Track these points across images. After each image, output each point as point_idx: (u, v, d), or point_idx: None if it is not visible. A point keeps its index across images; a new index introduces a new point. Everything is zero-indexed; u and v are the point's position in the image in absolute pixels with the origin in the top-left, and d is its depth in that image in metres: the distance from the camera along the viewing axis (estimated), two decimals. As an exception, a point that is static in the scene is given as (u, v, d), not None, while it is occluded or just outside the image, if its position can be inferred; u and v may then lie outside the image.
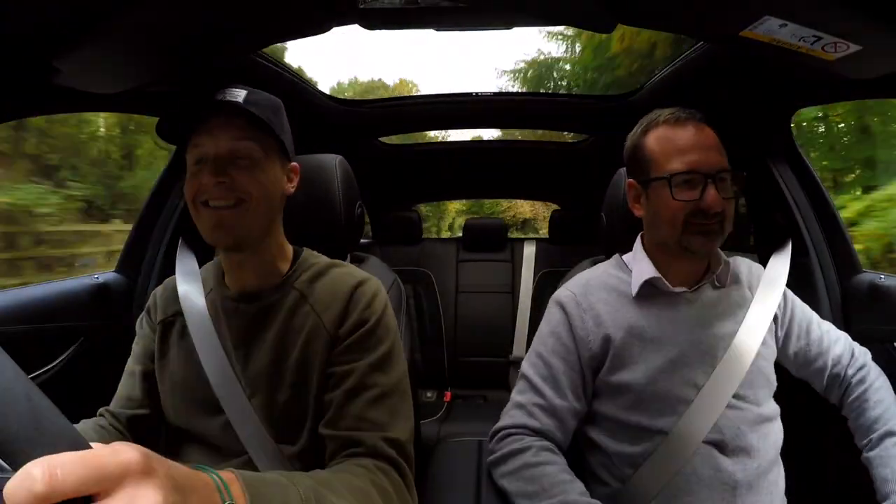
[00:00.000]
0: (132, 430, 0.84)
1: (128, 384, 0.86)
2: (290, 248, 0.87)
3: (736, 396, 0.83)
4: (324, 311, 0.78)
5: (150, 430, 0.86)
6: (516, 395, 0.92)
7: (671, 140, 0.86)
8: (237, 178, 0.72)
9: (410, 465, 0.73)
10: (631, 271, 0.93)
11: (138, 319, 0.90)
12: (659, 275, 0.88)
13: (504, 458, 0.85)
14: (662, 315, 0.88)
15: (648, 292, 0.90)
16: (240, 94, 0.74)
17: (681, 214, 0.83)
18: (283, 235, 0.86)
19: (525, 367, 0.93)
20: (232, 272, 0.83)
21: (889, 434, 0.84)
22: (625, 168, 0.97)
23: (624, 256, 0.99)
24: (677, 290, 0.89)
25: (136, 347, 0.88)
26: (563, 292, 0.94)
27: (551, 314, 0.94)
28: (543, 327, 0.94)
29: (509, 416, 0.90)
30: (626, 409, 0.85)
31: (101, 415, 0.85)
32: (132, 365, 0.87)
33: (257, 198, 0.74)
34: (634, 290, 0.90)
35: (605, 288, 0.93)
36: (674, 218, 0.84)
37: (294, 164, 0.85)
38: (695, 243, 0.83)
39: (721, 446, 0.81)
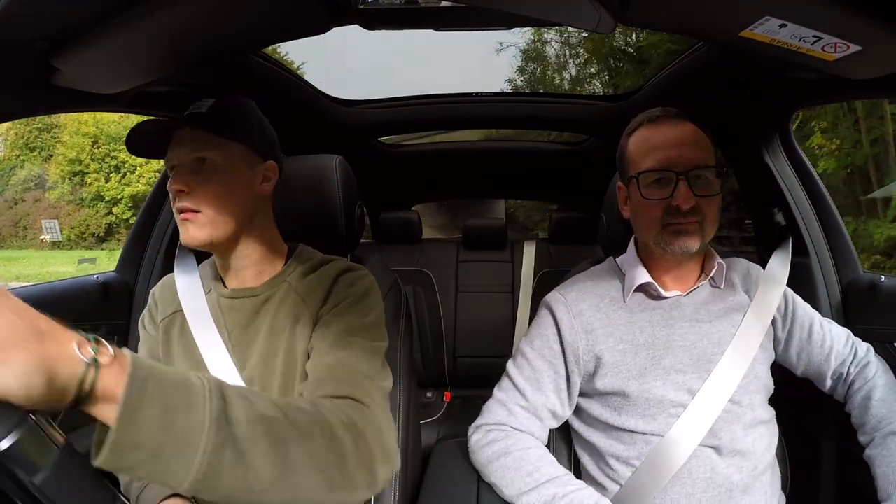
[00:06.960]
0: None
1: None
2: (283, 246, 0.88)
3: (731, 401, 0.82)
4: (308, 295, 0.79)
5: None
6: (497, 393, 0.92)
7: (646, 139, 0.86)
8: (196, 188, 0.76)
9: (385, 413, 0.69)
10: (624, 275, 0.92)
11: (140, 320, 0.90)
12: (651, 279, 0.87)
13: (484, 448, 0.86)
14: (655, 320, 0.87)
15: (641, 297, 0.89)
16: (205, 105, 0.78)
17: (656, 214, 0.82)
18: (274, 233, 0.87)
19: (509, 366, 0.93)
20: (224, 271, 0.84)
21: (893, 433, 0.84)
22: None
23: (618, 259, 0.97)
24: (669, 294, 0.88)
25: (142, 349, 0.88)
26: (554, 296, 0.93)
27: (541, 317, 0.93)
28: (532, 329, 0.94)
29: (490, 413, 0.90)
30: (619, 413, 0.85)
31: None
32: None
33: (209, 208, 0.77)
34: (627, 295, 0.89)
35: (597, 293, 0.92)
36: (649, 217, 0.83)
37: (270, 162, 0.85)
38: (671, 243, 0.82)
39: (717, 448, 0.81)
